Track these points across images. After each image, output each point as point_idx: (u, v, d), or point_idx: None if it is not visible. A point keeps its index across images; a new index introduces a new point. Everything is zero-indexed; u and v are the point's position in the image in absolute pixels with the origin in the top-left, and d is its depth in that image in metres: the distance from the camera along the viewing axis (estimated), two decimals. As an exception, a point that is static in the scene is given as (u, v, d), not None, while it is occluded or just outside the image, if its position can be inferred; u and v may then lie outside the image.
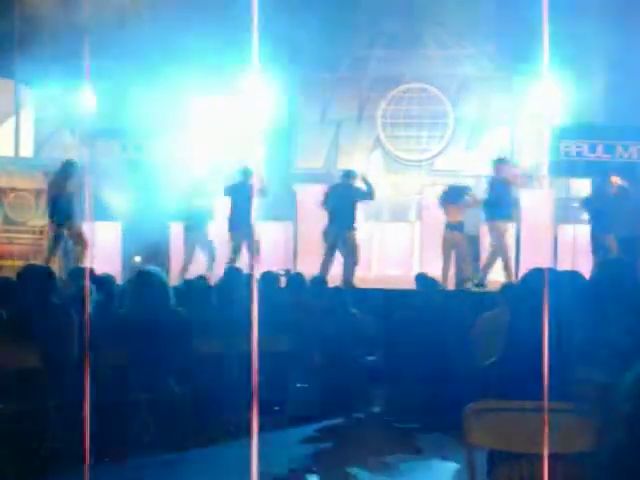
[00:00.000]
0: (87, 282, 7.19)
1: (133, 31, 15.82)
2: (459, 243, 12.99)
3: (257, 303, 5.41)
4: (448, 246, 12.96)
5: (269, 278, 9.27)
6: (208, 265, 13.61)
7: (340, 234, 12.87)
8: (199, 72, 15.92)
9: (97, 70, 14.78)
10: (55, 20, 15.94)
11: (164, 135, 16.26)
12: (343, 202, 12.87)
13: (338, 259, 13.13)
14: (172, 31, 15.73)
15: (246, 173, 13.64)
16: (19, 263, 14.39)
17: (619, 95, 15.87)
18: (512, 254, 13.48)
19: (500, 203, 12.81)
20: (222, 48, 15.59)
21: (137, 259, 15.47)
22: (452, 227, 12.99)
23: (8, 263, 15.04)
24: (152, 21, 15.99)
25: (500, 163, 13.23)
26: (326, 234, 12.96)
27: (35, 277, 6.24)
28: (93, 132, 16.11)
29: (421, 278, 9.49)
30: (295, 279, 9.97)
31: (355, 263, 12.94)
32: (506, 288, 8.33)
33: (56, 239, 13.46)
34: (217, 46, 15.68)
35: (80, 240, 13.40)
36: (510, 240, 13.64)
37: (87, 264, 12.92)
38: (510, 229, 13.58)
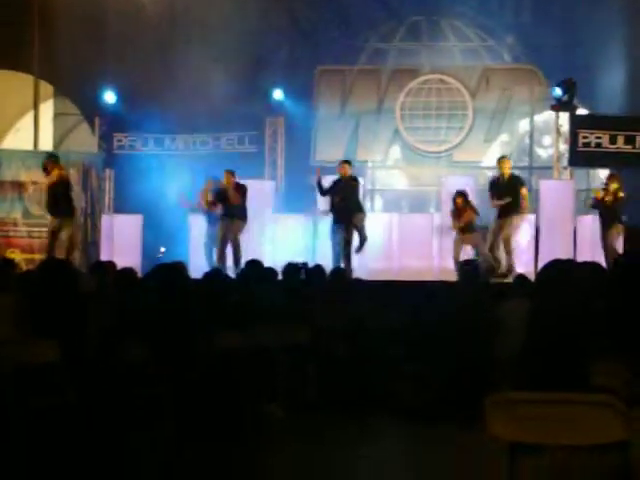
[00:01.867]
0: (109, 275, 7.20)
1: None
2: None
3: (279, 294, 5.43)
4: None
5: (290, 269, 9.28)
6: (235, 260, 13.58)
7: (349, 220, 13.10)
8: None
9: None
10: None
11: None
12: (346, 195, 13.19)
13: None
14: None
15: None
16: (39, 256, 14.46)
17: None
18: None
19: None
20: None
21: (162, 250, 15.67)
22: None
23: (28, 256, 15.09)
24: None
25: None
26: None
27: (55, 270, 6.22)
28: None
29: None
30: (314, 271, 9.96)
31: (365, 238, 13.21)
32: (522, 279, 8.34)
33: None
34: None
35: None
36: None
37: (106, 256, 13.05)
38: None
